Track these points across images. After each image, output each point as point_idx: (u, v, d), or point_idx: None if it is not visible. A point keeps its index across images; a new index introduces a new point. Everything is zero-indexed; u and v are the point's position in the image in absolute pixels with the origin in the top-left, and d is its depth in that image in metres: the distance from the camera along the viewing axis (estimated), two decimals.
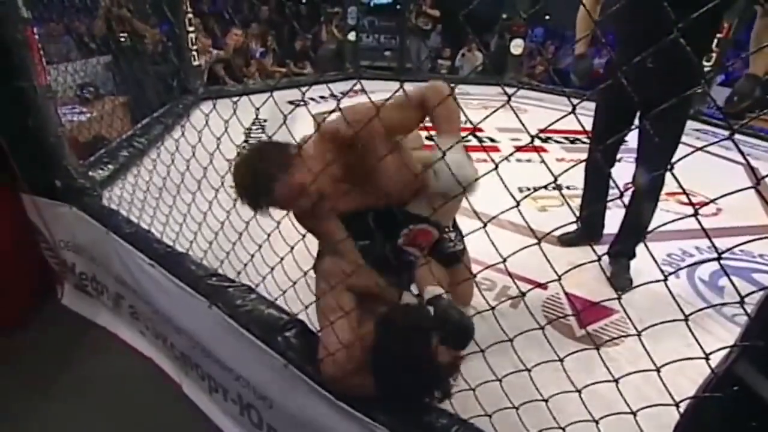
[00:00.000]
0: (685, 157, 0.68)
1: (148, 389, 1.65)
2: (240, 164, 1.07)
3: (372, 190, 1.19)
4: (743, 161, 3.19)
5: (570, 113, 0.57)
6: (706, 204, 0.57)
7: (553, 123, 0.66)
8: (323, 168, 1.05)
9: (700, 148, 0.67)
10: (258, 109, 1.12)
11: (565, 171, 0.60)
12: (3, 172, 1.85)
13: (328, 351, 1.07)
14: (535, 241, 0.74)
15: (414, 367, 0.96)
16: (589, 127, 1.83)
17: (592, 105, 1.90)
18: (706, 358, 0.64)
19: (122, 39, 3.65)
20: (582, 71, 1.86)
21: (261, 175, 1.03)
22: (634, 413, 0.77)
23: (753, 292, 0.59)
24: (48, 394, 1.62)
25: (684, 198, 2.68)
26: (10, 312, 1.89)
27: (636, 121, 1.78)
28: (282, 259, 1.18)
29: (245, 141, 3.21)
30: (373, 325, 1.04)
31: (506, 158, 0.71)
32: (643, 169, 1.74)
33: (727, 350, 0.64)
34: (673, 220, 0.65)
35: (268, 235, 1.16)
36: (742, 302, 0.54)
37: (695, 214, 0.54)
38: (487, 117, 0.77)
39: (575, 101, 0.61)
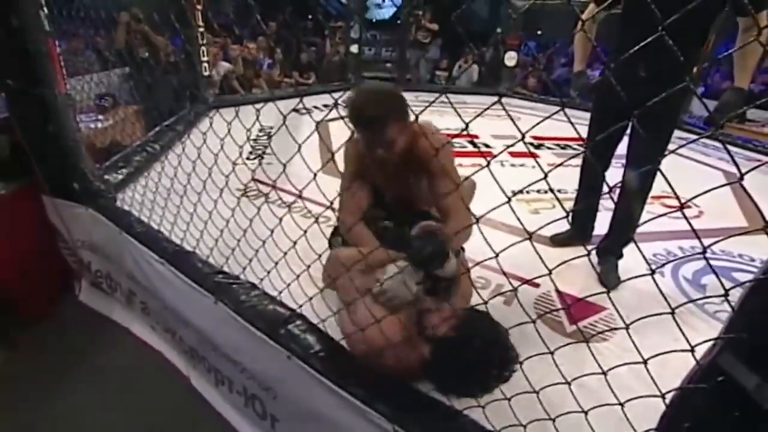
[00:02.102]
0: (670, 152, 0.67)
1: (159, 381, 1.64)
2: (373, 91, 1.25)
3: (404, 185, 1.40)
4: (722, 167, 3.19)
5: (560, 110, 0.56)
6: (686, 204, 0.56)
7: (543, 120, 0.65)
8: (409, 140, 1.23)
9: (685, 144, 0.66)
10: (258, 110, 1.12)
11: (557, 166, 0.59)
12: (27, 174, 1.86)
13: (358, 328, 1.09)
14: (527, 238, 0.73)
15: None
16: (578, 133, 1.84)
17: (587, 115, 1.89)
18: (692, 350, 0.62)
19: (140, 52, 3.66)
20: (581, 86, 1.87)
21: (389, 109, 1.18)
22: (621, 404, 0.76)
23: (735, 286, 0.57)
24: (65, 384, 1.62)
25: (668, 201, 2.68)
26: (36, 304, 1.92)
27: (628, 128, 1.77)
28: (285, 254, 1.17)
29: (252, 147, 3.21)
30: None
31: (495, 157, 0.70)
32: (633, 171, 1.72)
33: (712, 343, 0.62)
34: (656, 216, 0.64)
35: (272, 231, 1.15)
36: (726, 295, 0.53)
37: (681, 209, 0.53)
38: (479, 115, 0.77)
39: (565, 106, 0.61)
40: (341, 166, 1.37)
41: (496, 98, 0.71)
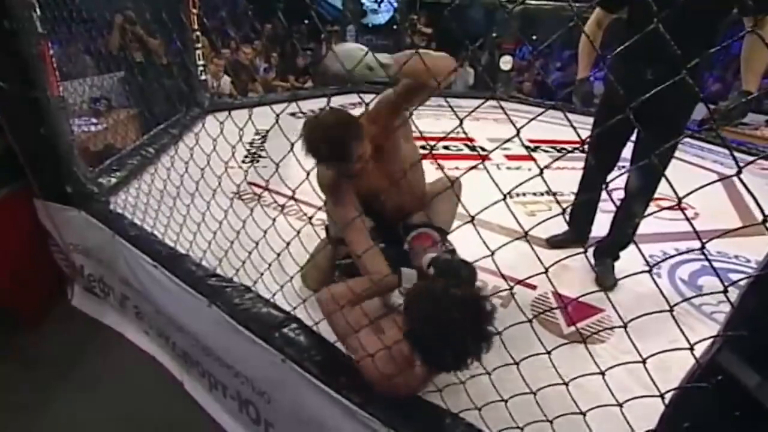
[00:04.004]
0: (671, 145, 0.66)
1: (157, 384, 1.62)
2: (320, 126, 1.18)
3: (387, 173, 1.34)
4: (717, 170, 3.19)
5: (551, 107, 0.56)
6: (680, 203, 0.56)
7: (539, 115, 0.65)
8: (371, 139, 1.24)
9: (676, 142, 0.65)
10: (251, 113, 1.11)
11: (549, 164, 0.58)
12: (19, 177, 1.84)
13: (366, 361, 1.03)
14: (522, 236, 0.72)
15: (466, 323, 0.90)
16: (572, 137, 1.82)
17: (583, 119, 1.88)
18: (691, 349, 0.61)
19: (135, 55, 3.65)
20: (583, 94, 1.84)
21: (344, 138, 1.16)
22: (620, 405, 0.75)
23: (733, 283, 0.57)
24: (62, 387, 1.61)
25: (665, 203, 2.69)
26: (33, 307, 1.91)
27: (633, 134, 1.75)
28: (278, 255, 1.16)
29: (247, 151, 3.20)
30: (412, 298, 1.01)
31: (489, 154, 0.69)
32: (638, 173, 1.70)
33: (710, 342, 0.61)
34: (647, 215, 0.63)
35: (265, 233, 1.14)
36: (725, 291, 0.52)
37: (674, 207, 0.53)
38: (471, 112, 0.76)
39: (557, 107, 0.60)
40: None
41: (491, 102, 0.70)
